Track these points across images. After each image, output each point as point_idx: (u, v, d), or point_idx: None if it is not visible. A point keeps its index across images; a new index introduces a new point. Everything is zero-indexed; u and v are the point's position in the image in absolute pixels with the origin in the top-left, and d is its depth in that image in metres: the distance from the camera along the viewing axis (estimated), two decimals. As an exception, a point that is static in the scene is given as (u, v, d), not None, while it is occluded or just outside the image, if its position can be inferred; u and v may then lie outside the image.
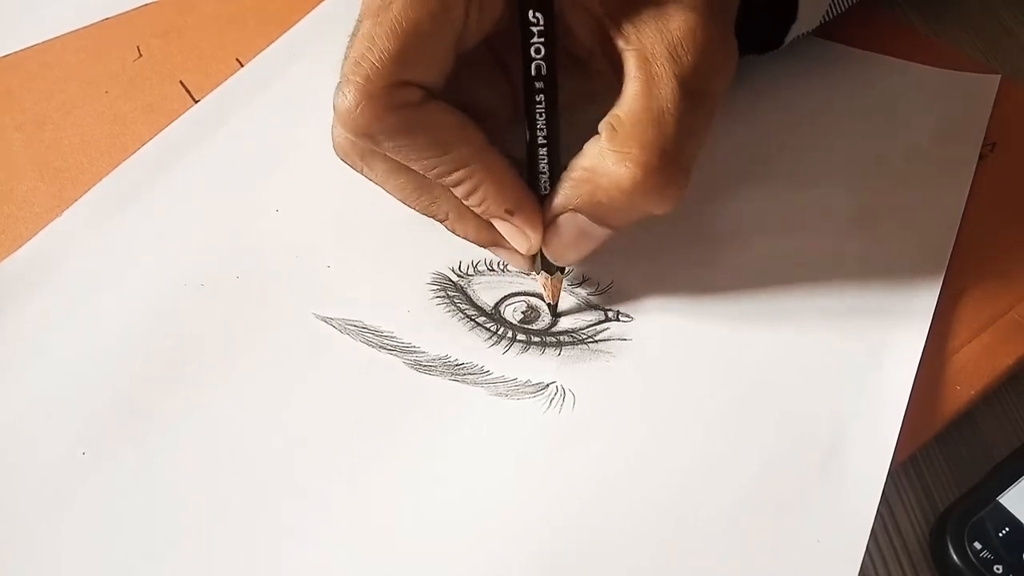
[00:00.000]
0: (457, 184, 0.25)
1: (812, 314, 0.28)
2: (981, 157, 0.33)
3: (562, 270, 0.28)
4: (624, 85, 0.24)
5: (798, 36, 0.35)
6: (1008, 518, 0.25)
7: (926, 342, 0.28)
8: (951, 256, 0.30)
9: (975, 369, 0.28)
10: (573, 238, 0.26)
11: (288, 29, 0.39)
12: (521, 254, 0.27)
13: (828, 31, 0.36)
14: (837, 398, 0.26)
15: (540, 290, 0.29)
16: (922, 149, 0.34)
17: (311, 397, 0.27)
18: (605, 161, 0.24)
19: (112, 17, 0.40)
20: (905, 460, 0.26)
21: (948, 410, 0.27)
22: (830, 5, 0.35)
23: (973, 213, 0.31)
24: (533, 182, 0.26)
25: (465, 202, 0.26)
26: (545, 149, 0.25)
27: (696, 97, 0.24)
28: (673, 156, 0.24)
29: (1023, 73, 0.38)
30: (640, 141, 0.24)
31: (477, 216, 0.26)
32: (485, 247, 0.28)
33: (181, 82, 0.37)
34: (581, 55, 0.26)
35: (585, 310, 0.29)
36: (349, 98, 0.23)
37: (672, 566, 0.23)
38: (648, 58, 0.24)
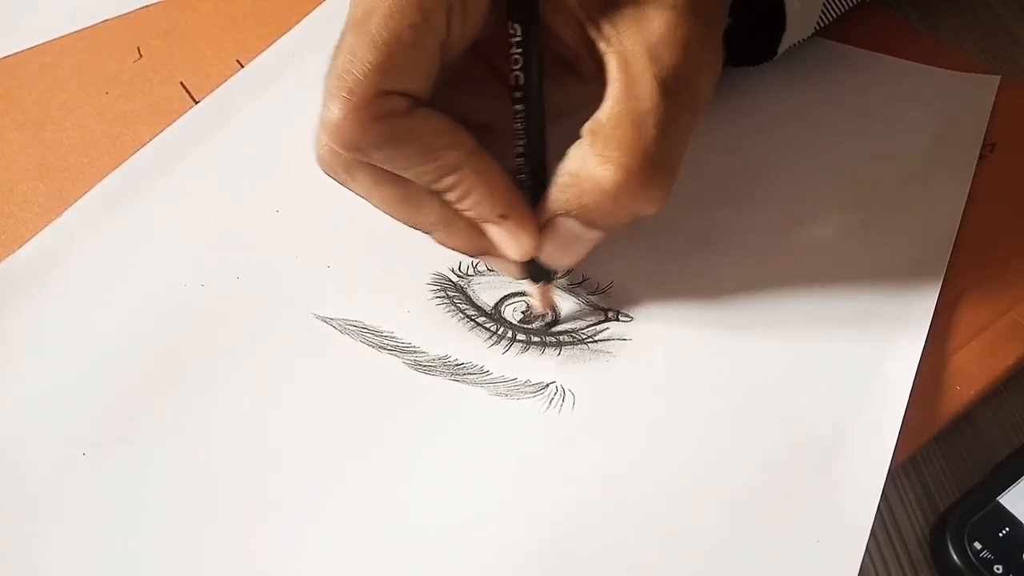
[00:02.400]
0: (449, 190, 0.25)
1: (812, 314, 0.28)
2: (981, 157, 0.33)
3: (550, 278, 0.28)
4: (606, 87, 0.24)
5: (793, 44, 0.35)
6: (1008, 518, 0.25)
7: (926, 342, 0.28)
8: (951, 256, 0.30)
9: (975, 369, 0.28)
10: (565, 242, 0.26)
11: (288, 30, 0.39)
12: (513, 261, 0.26)
13: (827, 31, 0.36)
14: (837, 398, 0.26)
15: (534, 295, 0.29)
16: (922, 149, 0.34)
17: (311, 397, 0.27)
18: (587, 165, 0.24)
19: (112, 18, 0.40)
20: (905, 460, 0.26)
21: (948, 410, 0.27)
22: (824, 10, 0.35)
23: (973, 213, 0.31)
24: (523, 190, 0.26)
25: (458, 206, 0.25)
26: (523, 159, 0.25)
27: (678, 97, 0.23)
28: (655, 157, 0.23)
29: (1023, 73, 0.38)
30: (620, 143, 0.23)
31: (466, 225, 0.26)
32: (475, 256, 0.27)
33: (181, 83, 0.37)
34: (569, 58, 0.26)
35: (585, 310, 0.29)
36: (335, 111, 0.23)
37: (672, 566, 0.23)
38: (628, 59, 0.23)
